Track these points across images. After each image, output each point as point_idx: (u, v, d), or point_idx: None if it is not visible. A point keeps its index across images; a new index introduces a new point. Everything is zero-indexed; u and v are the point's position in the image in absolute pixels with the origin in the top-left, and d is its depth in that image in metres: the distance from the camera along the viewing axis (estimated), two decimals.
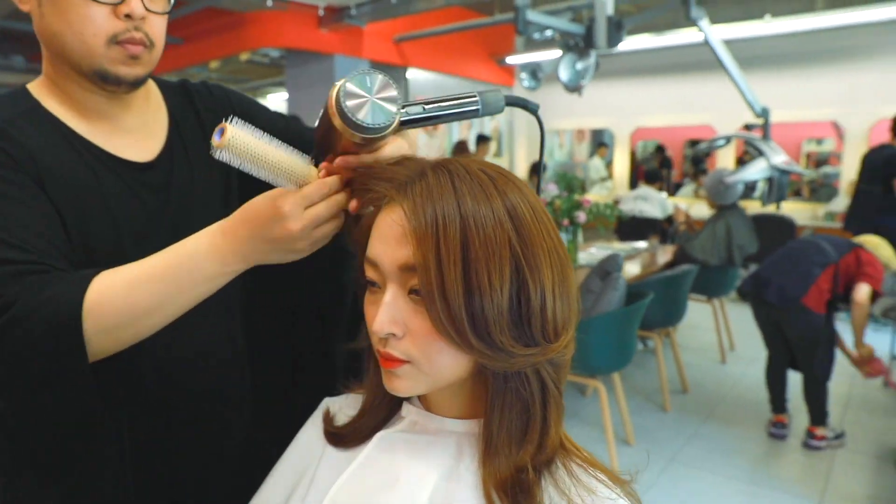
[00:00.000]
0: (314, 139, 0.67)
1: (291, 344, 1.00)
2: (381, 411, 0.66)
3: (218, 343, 0.89)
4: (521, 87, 7.56)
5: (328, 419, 0.69)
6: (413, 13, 5.42)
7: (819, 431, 2.90)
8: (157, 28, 0.79)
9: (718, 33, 3.92)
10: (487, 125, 7.77)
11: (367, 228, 0.58)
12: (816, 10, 5.56)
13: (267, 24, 5.82)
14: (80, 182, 0.76)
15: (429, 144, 6.95)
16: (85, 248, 0.75)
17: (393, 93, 0.57)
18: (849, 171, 5.88)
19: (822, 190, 7.14)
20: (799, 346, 2.87)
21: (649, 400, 3.48)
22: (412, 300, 0.54)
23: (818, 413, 2.89)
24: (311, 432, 0.71)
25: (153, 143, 0.85)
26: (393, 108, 0.57)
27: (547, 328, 0.55)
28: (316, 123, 0.65)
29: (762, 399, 3.50)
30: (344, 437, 0.66)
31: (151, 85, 0.89)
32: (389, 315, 0.54)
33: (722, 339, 4.18)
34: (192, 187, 0.86)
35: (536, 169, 6.93)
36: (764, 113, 4.03)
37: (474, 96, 0.62)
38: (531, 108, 0.66)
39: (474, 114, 0.63)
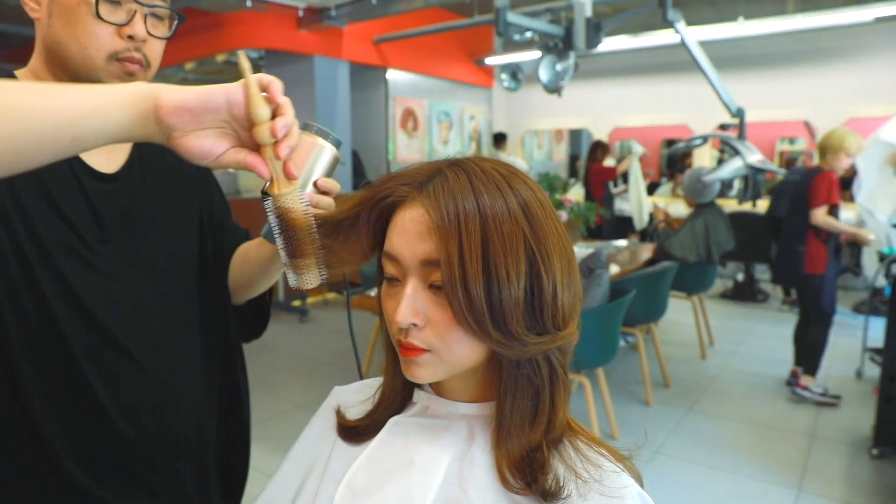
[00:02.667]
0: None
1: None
2: (396, 401, 0.68)
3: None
4: (500, 87, 7.63)
5: (341, 414, 0.70)
6: (392, 14, 5.43)
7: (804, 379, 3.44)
8: (156, 51, 0.83)
9: (693, 35, 4.00)
10: (467, 125, 7.80)
11: (384, 226, 0.60)
12: (787, 13, 5.70)
13: (246, 24, 5.78)
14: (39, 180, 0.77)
15: (409, 146, 6.96)
16: (39, 248, 0.76)
17: None
18: None
19: None
20: None
21: (632, 394, 3.54)
22: (432, 292, 0.56)
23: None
24: (322, 421, 0.72)
25: (118, 155, 0.87)
26: None
27: (557, 317, 0.57)
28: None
29: (741, 391, 3.59)
30: (360, 430, 0.67)
31: None
32: (411, 307, 0.56)
33: (702, 334, 4.26)
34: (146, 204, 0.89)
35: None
36: (739, 113, 4.13)
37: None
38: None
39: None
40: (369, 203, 0.61)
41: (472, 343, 0.56)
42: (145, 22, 0.80)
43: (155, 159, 0.91)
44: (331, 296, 5.95)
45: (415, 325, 0.56)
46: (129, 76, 0.80)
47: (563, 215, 3.62)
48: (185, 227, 0.93)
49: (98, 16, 0.76)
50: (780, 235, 3.63)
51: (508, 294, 0.54)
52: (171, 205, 0.91)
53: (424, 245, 0.55)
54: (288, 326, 5.19)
